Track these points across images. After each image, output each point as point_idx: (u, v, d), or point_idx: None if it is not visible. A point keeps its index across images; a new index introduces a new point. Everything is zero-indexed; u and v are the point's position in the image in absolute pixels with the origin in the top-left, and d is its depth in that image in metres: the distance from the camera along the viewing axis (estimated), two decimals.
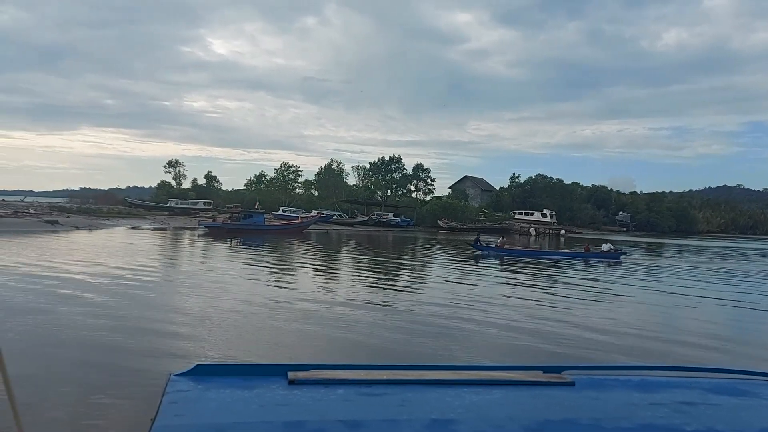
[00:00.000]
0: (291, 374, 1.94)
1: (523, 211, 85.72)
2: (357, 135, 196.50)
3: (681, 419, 1.81)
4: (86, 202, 69.42)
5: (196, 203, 75.85)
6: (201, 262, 23.19)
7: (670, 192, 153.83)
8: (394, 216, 74.66)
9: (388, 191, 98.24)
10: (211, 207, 74.70)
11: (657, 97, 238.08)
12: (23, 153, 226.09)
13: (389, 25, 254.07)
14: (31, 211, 46.93)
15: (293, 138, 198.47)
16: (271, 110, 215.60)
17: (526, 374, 2.10)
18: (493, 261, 29.60)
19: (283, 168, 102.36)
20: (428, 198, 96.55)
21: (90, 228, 41.71)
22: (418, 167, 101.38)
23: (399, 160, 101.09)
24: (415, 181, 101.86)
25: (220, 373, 1.97)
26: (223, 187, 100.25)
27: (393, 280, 20.78)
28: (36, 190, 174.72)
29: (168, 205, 73.86)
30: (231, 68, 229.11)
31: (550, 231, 76.95)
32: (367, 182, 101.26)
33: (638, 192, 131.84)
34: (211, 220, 53.87)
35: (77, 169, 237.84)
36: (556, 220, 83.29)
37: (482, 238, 37.22)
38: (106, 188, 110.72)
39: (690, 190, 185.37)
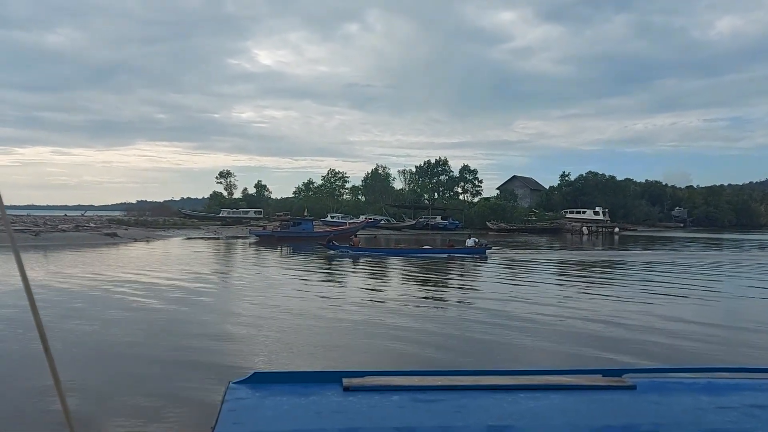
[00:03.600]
0: (346, 381, 1.96)
1: (575, 210, 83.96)
2: (402, 139, 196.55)
3: (751, 423, 1.73)
4: (143, 214, 71.96)
5: (247, 212, 77.64)
6: (254, 270, 23.64)
7: (729, 185, 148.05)
8: (441, 219, 74.61)
9: (435, 194, 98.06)
10: (261, 216, 76.22)
11: (712, 88, 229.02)
12: (83, 169, 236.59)
13: (432, 28, 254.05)
14: (92, 225, 48.78)
15: (339, 144, 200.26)
16: (316, 118, 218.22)
17: (584, 378, 2.05)
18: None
19: (330, 175, 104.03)
20: (476, 200, 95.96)
21: (147, 239, 43.13)
22: (465, 169, 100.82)
23: (445, 162, 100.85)
24: (462, 183, 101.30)
25: (277, 380, 2.00)
26: (273, 196, 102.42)
27: (443, 283, 20.69)
28: (96, 204, 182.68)
29: (220, 215, 75.82)
30: (276, 78, 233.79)
31: (604, 229, 75.16)
32: (414, 186, 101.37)
33: (695, 186, 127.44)
34: (261, 228, 54.90)
35: (134, 183, 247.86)
36: (609, 218, 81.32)
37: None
38: (162, 200, 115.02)
39: (750, 182, 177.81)
